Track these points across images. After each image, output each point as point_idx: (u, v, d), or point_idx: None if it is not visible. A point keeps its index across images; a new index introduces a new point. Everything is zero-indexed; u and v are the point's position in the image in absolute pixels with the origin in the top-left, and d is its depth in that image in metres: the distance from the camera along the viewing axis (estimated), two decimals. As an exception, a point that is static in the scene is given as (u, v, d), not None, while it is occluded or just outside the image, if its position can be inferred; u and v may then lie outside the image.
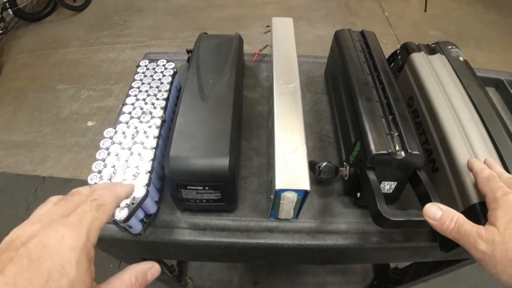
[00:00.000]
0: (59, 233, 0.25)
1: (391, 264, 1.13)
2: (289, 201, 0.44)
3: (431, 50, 0.66)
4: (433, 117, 0.55)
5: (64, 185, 1.63)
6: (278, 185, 0.41)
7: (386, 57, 0.75)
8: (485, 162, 0.45)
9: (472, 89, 0.59)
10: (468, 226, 0.35)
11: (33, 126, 1.94)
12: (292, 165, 0.44)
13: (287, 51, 0.60)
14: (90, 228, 0.27)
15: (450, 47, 0.68)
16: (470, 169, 0.44)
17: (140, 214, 0.51)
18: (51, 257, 0.23)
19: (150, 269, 0.30)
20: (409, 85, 0.63)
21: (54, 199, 0.30)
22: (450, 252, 0.49)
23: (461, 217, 0.36)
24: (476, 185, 0.44)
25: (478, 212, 0.42)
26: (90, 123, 1.98)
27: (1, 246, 0.24)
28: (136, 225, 0.49)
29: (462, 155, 0.48)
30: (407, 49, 0.67)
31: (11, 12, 2.49)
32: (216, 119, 0.47)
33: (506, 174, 0.41)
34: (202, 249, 0.52)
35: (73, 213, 0.27)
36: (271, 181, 0.48)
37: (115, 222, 0.51)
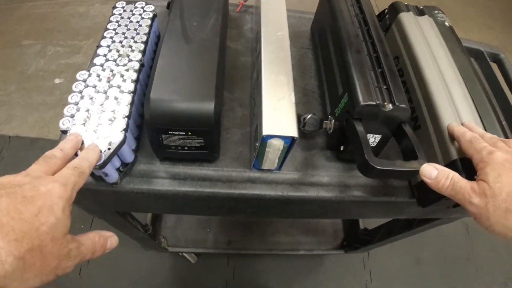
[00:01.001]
0: (50, 185, 0.30)
1: (361, 225, 1.18)
2: (275, 149, 0.43)
3: (420, 11, 0.65)
4: (418, 76, 0.55)
5: (31, 145, 1.54)
6: (266, 131, 0.40)
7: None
8: (464, 126, 0.46)
9: (456, 54, 0.59)
10: (463, 182, 0.37)
11: (-3, 84, 1.80)
12: (279, 112, 0.42)
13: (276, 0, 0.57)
14: (73, 188, 0.32)
15: (436, 11, 0.67)
16: (451, 134, 0.45)
17: (116, 162, 0.48)
18: (43, 199, 0.28)
19: (110, 237, 0.36)
20: (395, 45, 0.63)
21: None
22: (426, 209, 0.51)
23: (456, 175, 0.38)
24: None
25: (459, 167, 0.44)
26: (57, 81, 1.86)
27: None
28: (112, 173, 0.47)
29: (446, 113, 0.49)
30: (396, 8, 0.66)
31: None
32: (200, 63, 0.45)
33: (488, 134, 0.42)
34: (181, 200, 0.51)
35: (59, 174, 0.32)
36: (256, 130, 0.46)
37: (90, 170, 0.48)
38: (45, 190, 0.29)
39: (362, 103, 0.43)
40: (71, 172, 0.33)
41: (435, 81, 0.52)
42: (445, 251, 1.48)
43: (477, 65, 0.79)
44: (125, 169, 0.50)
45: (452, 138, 0.46)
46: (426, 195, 0.49)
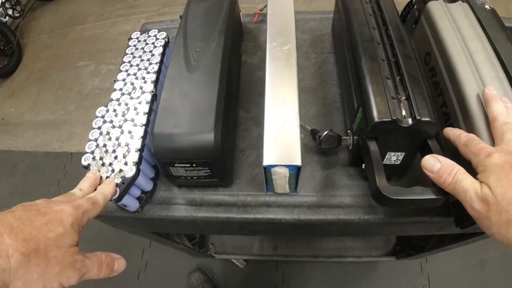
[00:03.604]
0: (62, 205, 0.33)
1: (415, 231, 1.09)
2: (281, 176, 0.41)
3: (452, -3, 0.57)
4: (451, 76, 0.48)
5: (91, 160, 1.69)
6: (266, 161, 0.38)
7: (403, 7, 0.67)
8: (484, 95, 0.41)
9: (499, 42, 0.51)
10: (467, 182, 0.33)
11: (59, 104, 1.99)
12: (282, 138, 0.40)
13: (283, 8, 0.54)
14: (84, 212, 0.35)
15: (474, -7, 0.58)
16: (447, 138, 0.41)
17: (136, 191, 0.50)
18: (54, 213, 0.31)
19: (118, 259, 0.36)
20: (426, 39, 0.56)
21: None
22: (468, 228, 0.44)
23: (460, 172, 0.34)
24: None
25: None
26: (112, 98, 2.02)
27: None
28: (131, 204, 0.49)
29: (482, 121, 0.42)
30: (424, -4, 0.58)
31: (25, -6, 2.49)
32: (201, 92, 0.44)
33: (501, 118, 0.37)
34: (200, 225, 0.51)
35: (73, 201, 0.35)
36: (265, 154, 0.44)
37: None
38: (58, 209, 0.32)
39: (375, 120, 0.39)
40: (84, 201, 0.37)
41: (470, 81, 0.45)
42: (514, 252, 1.30)
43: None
44: (146, 196, 0.52)
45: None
46: (465, 214, 0.42)
